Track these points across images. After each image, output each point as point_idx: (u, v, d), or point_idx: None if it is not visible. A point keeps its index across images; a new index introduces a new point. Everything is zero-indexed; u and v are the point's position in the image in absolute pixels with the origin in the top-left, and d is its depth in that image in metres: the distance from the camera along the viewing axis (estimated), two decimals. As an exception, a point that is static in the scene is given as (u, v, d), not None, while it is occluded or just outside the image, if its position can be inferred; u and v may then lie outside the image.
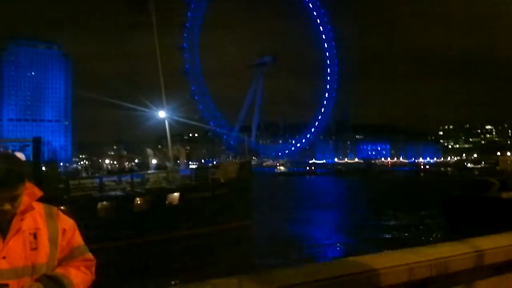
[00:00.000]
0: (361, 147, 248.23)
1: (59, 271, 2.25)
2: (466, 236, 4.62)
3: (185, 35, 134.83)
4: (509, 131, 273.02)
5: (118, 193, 30.09)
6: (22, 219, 2.22)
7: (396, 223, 36.07)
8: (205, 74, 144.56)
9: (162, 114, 43.23)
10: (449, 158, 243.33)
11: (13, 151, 26.66)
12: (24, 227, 2.21)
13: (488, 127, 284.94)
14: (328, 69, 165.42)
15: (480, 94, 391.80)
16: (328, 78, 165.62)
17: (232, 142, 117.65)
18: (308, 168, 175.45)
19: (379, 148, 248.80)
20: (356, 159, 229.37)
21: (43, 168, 29.76)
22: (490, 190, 35.62)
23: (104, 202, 28.84)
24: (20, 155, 21.36)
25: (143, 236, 26.92)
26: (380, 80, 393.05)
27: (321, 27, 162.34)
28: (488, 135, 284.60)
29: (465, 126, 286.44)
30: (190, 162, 70.40)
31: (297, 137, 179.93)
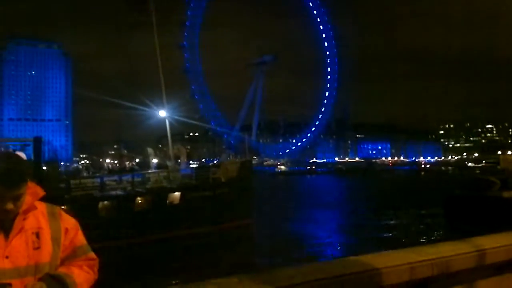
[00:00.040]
0: (361, 146, 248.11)
1: (62, 270, 2.25)
2: (467, 236, 4.62)
3: (185, 34, 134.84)
4: (510, 130, 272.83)
5: (119, 192, 30.12)
6: (24, 219, 2.22)
7: (397, 223, 36.07)
8: (205, 73, 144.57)
9: (162, 113, 43.24)
10: (449, 157, 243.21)
11: (14, 150, 26.66)
12: (26, 227, 2.21)
13: (489, 126, 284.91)
14: (329, 68, 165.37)
15: (480, 94, 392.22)
16: (329, 77, 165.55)
17: (232, 142, 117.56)
18: (308, 167, 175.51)
19: (379, 147, 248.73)
20: (357, 158, 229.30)
21: (44, 168, 29.79)
22: (491, 189, 35.57)
23: (105, 202, 28.88)
24: (21, 155, 21.35)
25: (144, 235, 26.94)
26: (380, 79, 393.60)
27: (321, 26, 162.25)
28: (488, 134, 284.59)
29: (466, 125, 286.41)
30: (190, 162, 70.37)
31: (298, 136, 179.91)
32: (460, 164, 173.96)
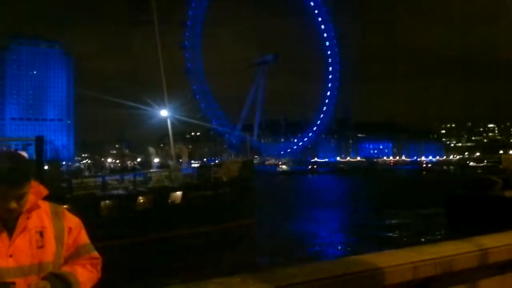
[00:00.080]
0: (363, 145, 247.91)
1: (66, 269, 2.26)
2: (469, 235, 4.61)
3: (186, 33, 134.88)
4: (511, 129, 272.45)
5: (121, 192, 30.16)
6: (28, 218, 2.23)
7: (399, 222, 36.01)
8: (207, 73, 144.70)
9: (164, 113, 43.29)
10: (451, 157, 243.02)
11: (16, 150, 26.70)
12: (30, 226, 2.22)
13: (491, 125, 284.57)
14: (330, 67, 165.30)
15: (480, 94, 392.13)
16: (330, 76, 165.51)
17: (234, 141, 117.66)
18: (310, 166, 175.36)
19: (381, 147, 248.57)
20: (358, 158, 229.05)
21: (46, 167, 29.85)
22: (493, 188, 35.54)
23: (107, 201, 28.92)
24: (23, 154, 21.38)
25: (146, 234, 26.96)
26: (381, 79, 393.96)
27: (322, 26, 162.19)
28: (490, 134, 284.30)
29: (468, 125, 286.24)
30: (192, 161, 70.45)
31: (299, 135, 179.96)
32: (461, 163, 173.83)
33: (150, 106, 45.44)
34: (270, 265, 19.53)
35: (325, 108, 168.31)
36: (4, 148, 29.64)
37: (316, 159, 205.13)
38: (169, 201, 31.23)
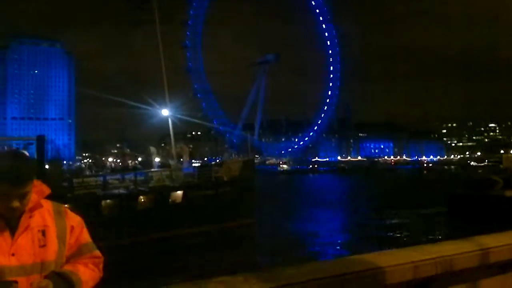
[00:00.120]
0: (364, 145, 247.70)
1: (68, 268, 2.27)
2: (470, 235, 4.61)
3: (187, 33, 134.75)
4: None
5: (122, 191, 30.19)
6: (30, 217, 2.23)
7: (399, 222, 36.01)
8: (208, 72, 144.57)
9: (165, 112, 43.31)
10: (452, 156, 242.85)
11: (17, 149, 26.73)
12: (32, 224, 2.23)
13: (492, 125, 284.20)
14: (331, 67, 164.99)
15: (480, 94, 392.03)
16: (331, 76, 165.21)
17: (235, 140, 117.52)
18: (311, 166, 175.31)
19: (382, 146, 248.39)
20: (359, 157, 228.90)
21: (47, 166, 29.88)
22: (494, 188, 35.57)
23: (108, 200, 28.95)
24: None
25: (147, 234, 26.98)
26: (381, 79, 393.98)
27: (323, 25, 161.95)
28: (491, 133, 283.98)
29: (468, 124, 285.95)
30: (193, 160, 70.46)
31: (300, 135, 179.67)
32: (462, 163, 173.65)
33: (151, 105, 45.52)
34: (270, 264, 19.54)
35: (326, 107, 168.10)
36: (5, 148, 29.68)
37: (317, 158, 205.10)
38: (170, 200, 31.26)
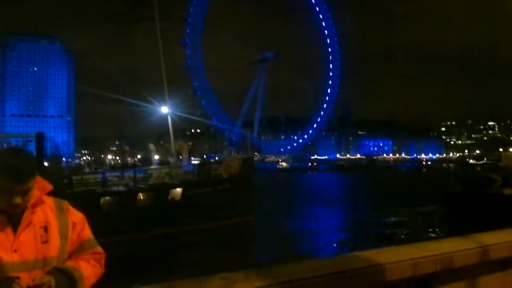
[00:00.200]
0: (363, 143, 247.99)
1: (70, 264, 2.28)
2: (469, 232, 4.62)
3: (187, 30, 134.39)
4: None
5: (121, 188, 30.20)
6: (33, 213, 2.24)
7: (398, 219, 36.02)
8: (208, 70, 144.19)
9: (164, 109, 43.28)
10: (451, 154, 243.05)
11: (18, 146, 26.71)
12: (35, 221, 2.24)
13: (491, 123, 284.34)
14: (331, 65, 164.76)
15: (481, 94, 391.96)
16: (330, 73, 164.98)
17: (234, 138, 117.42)
18: (310, 164, 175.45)
19: (381, 144, 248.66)
20: (358, 155, 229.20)
21: (46, 164, 29.86)
22: (493, 186, 35.62)
23: (107, 198, 28.96)
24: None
25: (146, 231, 27.00)
26: (381, 78, 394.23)
27: (323, 23, 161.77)
28: (490, 131, 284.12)
29: (468, 122, 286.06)
30: (192, 158, 70.49)
31: (299, 133, 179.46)
32: (461, 161, 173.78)
33: (151, 102, 45.50)
34: (269, 262, 19.56)
35: (325, 105, 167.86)
36: (4, 145, 29.67)
37: (316, 156, 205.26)
38: (169, 197, 31.27)
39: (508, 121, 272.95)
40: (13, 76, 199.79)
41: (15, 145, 27.30)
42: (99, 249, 2.43)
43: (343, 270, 3.30)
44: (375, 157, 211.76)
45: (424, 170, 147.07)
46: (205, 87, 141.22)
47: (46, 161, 30.93)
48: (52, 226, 2.27)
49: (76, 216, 2.40)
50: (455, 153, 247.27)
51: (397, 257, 3.62)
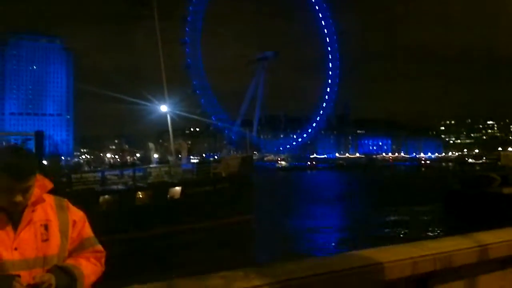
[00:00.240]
0: (362, 142, 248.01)
1: (70, 262, 2.28)
2: (468, 231, 4.62)
3: (186, 29, 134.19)
4: (511, 126, 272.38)
5: (120, 187, 30.20)
6: (33, 211, 2.24)
7: (397, 218, 36.06)
8: (207, 69, 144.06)
9: (164, 108, 43.26)
10: (450, 154, 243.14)
11: (16, 144, 26.68)
12: (35, 219, 2.24)
13: (490, 122, 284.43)
14: (330, 64, 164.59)
15: (481, 94, 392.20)
16: (330, 72, 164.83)
17: (233, 137, 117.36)
18: (309, 163, 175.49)
19: (380, 143, 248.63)
20: (357, 154, 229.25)
21: (45, 162, 29.85)
22: (491, 185, 35.63)
23: (106, 196, 28.95)
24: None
25: (145, 230, 26.99)
26: (381, 77, 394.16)
27: (322, 22, 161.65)
28: (489, 131, 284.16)
29: (467, 121, 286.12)
30: (191, 157, 70.46)
31: (299, 131, 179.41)
32: (460, 160, 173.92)
33: (150, 101, 45.47)
34: (269, 260, 19.57)
35: (324, 104, 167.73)
36: (4, 143, 29.65)
37: (315, 155, 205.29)
38: (168, 196, 31.26)
39: (507, 120, 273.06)
40: (12, 74, 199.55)
41: (15, 143, 27.34)
42: (100, 247, 2.44)
43: (343, 269, 3.30)
44: (374, 156, 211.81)
45: (423, 169, 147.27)
46: (204, 86, 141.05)
47: (45, 160, 30.92)
48: (53, 224, 2.28)
49: (77, 214, 2.41)
50: (454, 152, 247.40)
51: (396, 256, 3.62)
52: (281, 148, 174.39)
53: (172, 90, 46.89)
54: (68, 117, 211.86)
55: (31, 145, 28.57)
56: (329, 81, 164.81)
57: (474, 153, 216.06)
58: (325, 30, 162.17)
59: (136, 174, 32.03)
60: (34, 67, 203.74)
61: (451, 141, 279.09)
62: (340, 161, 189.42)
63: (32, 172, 2.19)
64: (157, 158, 42.34)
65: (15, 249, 2.15)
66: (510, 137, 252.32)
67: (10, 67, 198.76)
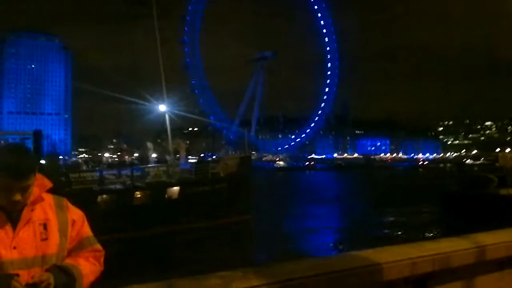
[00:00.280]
0: (360, 142, 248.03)
1: (69, 261, 2.28)
2: (466, 232, 4.63)
3: (185, 28, 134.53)
4: (509, 127, 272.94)
5: (118, 186, 30.16)
6: (32, 210, 2.25)
7: (395, 219, 36.11)
8: (206, 68, 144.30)
9: (162, 107, 43.21)
10: (448, 154, 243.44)
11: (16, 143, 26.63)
12: (34, 218, 2.24)
13: (488, 123, 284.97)
14: (329, 64, 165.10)
15: (480, 94, 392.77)
16: (329, 72, 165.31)
17: (232, 137, 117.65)
18: (307, 163, 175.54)
19: (378, 144, 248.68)
20: (356, 155, 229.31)
21: (43, 161, 29.80)
22: (489, 186, 35.65)
23: (104, 196, 28.91)
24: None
25: (143, 229, 26.96)
26: (381, 77, 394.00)
27: (321, 21, 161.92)
28: (487, 132, 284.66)
29: (465, 122, 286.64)
30: (190, 156, 70.44)
31: (297, 132, 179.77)
32: (458, 161, 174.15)
33: (148, 101, 45.39)
34: (267, 260, 19.57)
35: (323, 104, 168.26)
36: (2, 142, 29.59)
37: (313, 155, 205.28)
38: (167, 196, 31.24)
39: (506, 121, 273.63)
40: (10, 73, 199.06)
41: (14, 142, 27.26)
42: (98, 246, 2.44)
43: (342, 269, 3.30)
44: (372, 157, 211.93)
45: (420, 169, 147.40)
46: (203, 86, 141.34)
47: (43, 159, 30.84)
48: (52, 223, 2.28)
49: (76, 213, 2.41)
50: (452, 153, 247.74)
51: (395, 257, 3.63)
52: (279, 148, 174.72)
53: (171, 89, 46.85)
54: (66, 116, 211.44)
55: (29, 144, 28.50)
56: (328, 81, 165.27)
57: (472, 154, 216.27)
58: (324, 30, 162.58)
59: (134, 173, 31.95)
60: (33, 66, 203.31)
61: (449, 142, 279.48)
62: (339, 162, 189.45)
63: (31, 171, 2.19)
64: (155, 157, 42.29)
65: (14, 248, 2.15)
66: (508, 138, 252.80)
67: (8, 66, 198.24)
